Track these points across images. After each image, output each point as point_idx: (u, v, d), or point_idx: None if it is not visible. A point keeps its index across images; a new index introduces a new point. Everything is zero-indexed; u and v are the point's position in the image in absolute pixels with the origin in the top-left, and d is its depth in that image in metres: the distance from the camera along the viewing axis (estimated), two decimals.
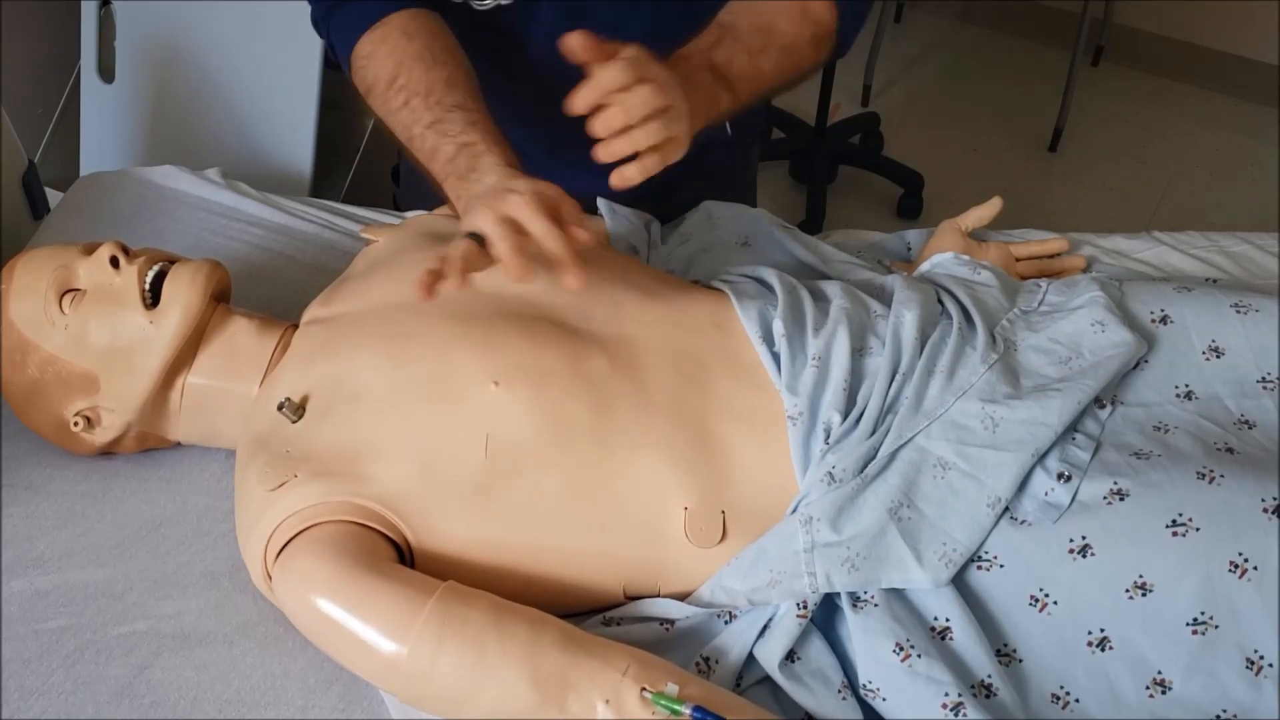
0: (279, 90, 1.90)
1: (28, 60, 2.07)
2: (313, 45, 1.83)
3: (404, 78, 1.03)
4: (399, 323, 0.99)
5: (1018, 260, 1.22)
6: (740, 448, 0.94)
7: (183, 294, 1.00)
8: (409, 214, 1.37)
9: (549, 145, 1.05)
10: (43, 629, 0.93)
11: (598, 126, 0.84)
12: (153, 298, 1.01)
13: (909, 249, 1.29)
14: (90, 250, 1.02)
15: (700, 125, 0.94)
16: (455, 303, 0.99)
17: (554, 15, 1.14)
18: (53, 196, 1.51)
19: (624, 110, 0.83)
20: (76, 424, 1.02)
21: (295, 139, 1.91)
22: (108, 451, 1.07)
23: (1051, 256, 1.25)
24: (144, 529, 1.02)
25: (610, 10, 1.11)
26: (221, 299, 1.08)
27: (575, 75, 0.84)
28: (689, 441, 0.93)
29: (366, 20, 1.08)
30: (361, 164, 2.04)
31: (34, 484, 1.05)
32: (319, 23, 1.15)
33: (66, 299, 1.00)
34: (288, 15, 1.83)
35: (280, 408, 0.95)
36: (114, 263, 1.00)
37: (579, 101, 0.84)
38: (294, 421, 0.95)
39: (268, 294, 1.23)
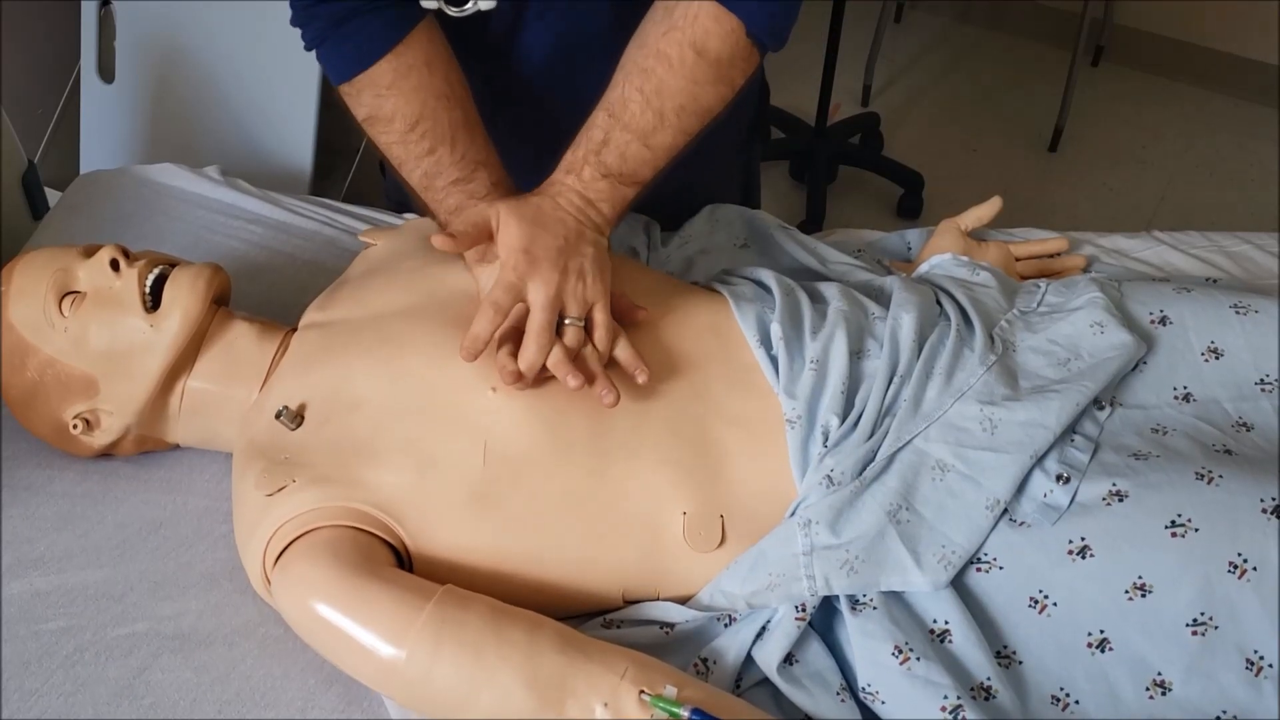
0: (279, 90, 1.90)
1: (28, 60, 2.07)
2: None
3: (428, 121, 1.01)
4: (396, 331, 0.99)
5: (1017, 260, 1.22)
6: (739, 452, 0.94)
7: (183, 298, 1.00)
8: (408, 216, 1.37)
9: (537, 147, 1.06)
10: (43, 630, 0.93)
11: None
12: (153, 301, 1.00)
13: (909, 248, 1.29)
14: (90, 253, 1.02)
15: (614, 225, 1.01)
16: (453, 310, 0.99)
17: (542, 22, 1.12)
18: (53, 196, 1.51)
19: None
20: (75, 426, 1.02)
21: (295, 139, 1.91)
22: (106, 453, 1.07)
23: (1051, 256, 1.25)
24: (144, 530, 1.02)
25: (598, 12, 1.10)
26: (222, 302, 1.07)
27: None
28: (687, 448, 0.93)
29: (386, 42, 1.01)
30: (361, 164, 2.04)
31: (34, 485, 1.05)
32: (308, 24, 1.05)
33: (66, 302, 1.00)
34: (288, 16, 1.83)
35: (278, 416, 0.95)
36: (114, 266, 1.00)
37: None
38: (292, 430, 0.95)
39: (266, 292, 1.23)
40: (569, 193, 0.99)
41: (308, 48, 1.06)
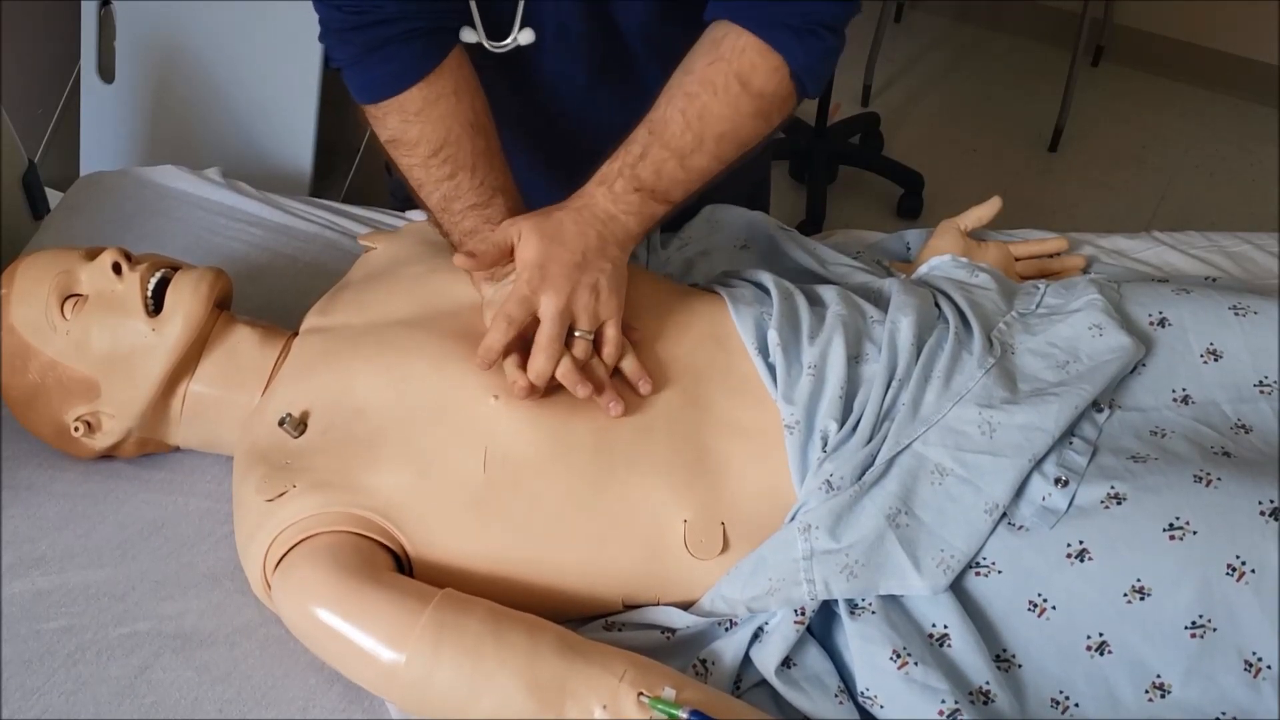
0: (279, 90, 1.90)
1: (28, 60, 2.07)
2: (313, 45, 1.83)
3: (452, 147, 1.02)
4: (398, 338, 0.99)
5: (1017, 260, 1.22)
6: (739, 459, 0.94)
7: (185, 302, 1.00)
8: (409, 214, 1.37)
9: (550, 167, 1.06)
10: (44, 629, 0.93)
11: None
12: (155, 305, 1.01)
13: (908, 249, 1.29)
14: (92, 255, 1.02)
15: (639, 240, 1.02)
16: (454, 321, 1.00)
17: (576, 61, 1.12)
18: (53, 196, 1.51)
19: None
20: (77, 429, 1.02)
21: (295, 139, 1.91)
22: (107, 456, 1.07)
23: (1051, 256, 1.25)
24: (146, 530, 1.02)
25: (629, 46, 1.10)
26: (224, 306, 1.07)
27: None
28: (688, 455, 0.93)
29: (418, 70, 1.01)
30: (361, 164, 2.04)
31: (35, 484, 1.05)
32: (340, 47, 1.04)
33: (68, 304, 1.00)
34: (288, 15, 1.83)
35: (281, 423, 0.95)
36: (116, 269, 1.00)
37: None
38: (295, 438, 0.95)
39: (267, 294, 1.23)
40: (595, 206, 0.99)
41: (335, 66, 1.06)
